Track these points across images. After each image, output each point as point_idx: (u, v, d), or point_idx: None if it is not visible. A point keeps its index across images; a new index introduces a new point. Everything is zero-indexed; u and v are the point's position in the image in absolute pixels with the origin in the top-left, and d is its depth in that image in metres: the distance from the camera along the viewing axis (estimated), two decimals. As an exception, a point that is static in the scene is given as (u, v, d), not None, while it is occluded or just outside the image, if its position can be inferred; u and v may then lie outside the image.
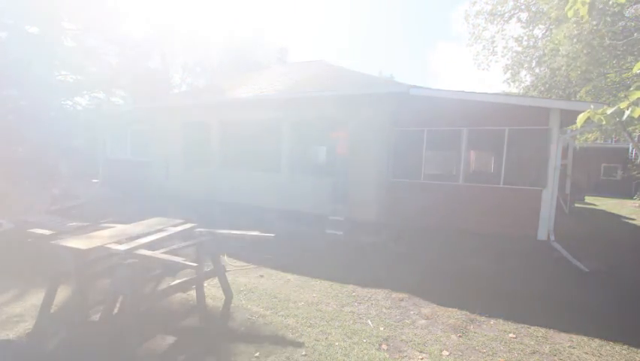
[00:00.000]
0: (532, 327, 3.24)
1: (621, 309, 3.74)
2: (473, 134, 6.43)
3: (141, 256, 2.87)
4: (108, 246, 2.84)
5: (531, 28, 17.04)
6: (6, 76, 8.20)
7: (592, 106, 2.33)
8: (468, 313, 3.48)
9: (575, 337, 3.06)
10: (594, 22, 10.92)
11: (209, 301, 3.55)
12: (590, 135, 19.74)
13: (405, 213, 6.90)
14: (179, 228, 3.51)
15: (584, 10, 2.73)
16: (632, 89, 1.92)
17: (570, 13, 2.89)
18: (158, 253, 2.90)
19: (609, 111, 2.00)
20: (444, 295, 3.91)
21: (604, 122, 2.05)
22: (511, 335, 3.12)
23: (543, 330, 3.19)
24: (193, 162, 9.65)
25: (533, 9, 16.02)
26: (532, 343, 2.98)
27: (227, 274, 3.76)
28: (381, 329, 3.15)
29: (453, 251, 5.65)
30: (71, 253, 2.73)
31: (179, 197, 9.36)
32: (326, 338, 2.93)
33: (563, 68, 13.32)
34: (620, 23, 11.28)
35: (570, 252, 5.44)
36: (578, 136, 15.44)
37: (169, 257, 2.81)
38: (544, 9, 13.69)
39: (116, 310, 2.91)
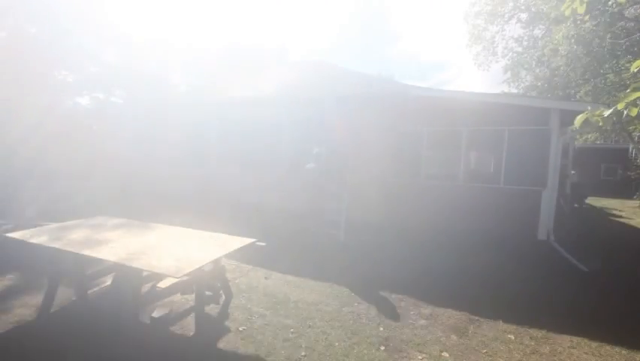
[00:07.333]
0: (532, 328, 3.24)
1: (621, 309, 3.74)
2: (473, 135, 6.44)
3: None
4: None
5: (531, 28, 17.04)
6: (6, 75, 8.21)
7: (589, 107, 2.32)
8: (468, 314, 3.48)
9: (574, 338, 3.06)
10: (593, 23, 10.91)
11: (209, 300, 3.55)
12: (590, 136, 19.73)
13: (404, 213, 6.90)
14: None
15: (581, 9, 2.71)
16: (628, 90, 1.92)
17: (567, 12, 2.87)
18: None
19: (606, 113, 1.99)
20: (442, 295, 3.91)
21: (601, 124, 2.04)
22: (510, 335, 3.12)
23: (543, 330, 3.19)
24: (191, 161, 9.67)
25: (533, 9, 16.02)
26: (532, 343, 2.98)
27: (227, 274, 3.76)
28: (381, 329, 3.15)
29: (452, 251, 5.65)
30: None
31: (177, 196, 9.35)
32: (326, 338, 2.94)
33: (562, 67, 13.33)
34: (619, 23, 11.28)
35: (570, 252, 5.45)
36: (577, 136, 15.45)
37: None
38: (544, 9, 13.69)
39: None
